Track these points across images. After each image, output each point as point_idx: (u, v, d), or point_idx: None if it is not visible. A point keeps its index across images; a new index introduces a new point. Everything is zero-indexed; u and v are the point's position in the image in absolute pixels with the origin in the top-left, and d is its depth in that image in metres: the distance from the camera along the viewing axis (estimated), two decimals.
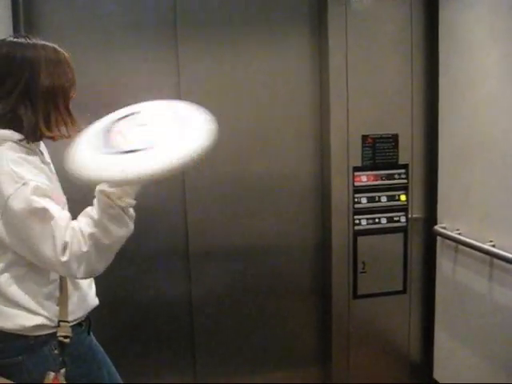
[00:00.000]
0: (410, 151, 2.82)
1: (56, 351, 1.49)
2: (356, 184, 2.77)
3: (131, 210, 1.39)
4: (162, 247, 2.75)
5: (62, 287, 1.51)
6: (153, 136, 1.34)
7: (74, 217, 1.41)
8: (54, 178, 1.56)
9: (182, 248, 2.76)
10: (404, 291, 2.91)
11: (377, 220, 2.81)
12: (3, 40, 1.47)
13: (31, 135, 1.43)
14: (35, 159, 1.44)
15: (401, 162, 2.82)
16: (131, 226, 1.40)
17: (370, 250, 2.83)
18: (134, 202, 1.38)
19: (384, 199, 2.81)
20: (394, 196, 2.83)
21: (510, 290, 2.29)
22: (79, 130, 1.51)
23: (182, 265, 2.78)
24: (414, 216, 2.86)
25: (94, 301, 1.66)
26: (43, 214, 1.32)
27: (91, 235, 1.33)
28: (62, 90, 1.47)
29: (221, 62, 2.69)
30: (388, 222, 2.83)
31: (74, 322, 1.55)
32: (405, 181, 2.83)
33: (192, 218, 2.74)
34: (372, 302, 2.88)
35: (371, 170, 2.78)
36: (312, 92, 2.79)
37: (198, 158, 1.31)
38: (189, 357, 2.86)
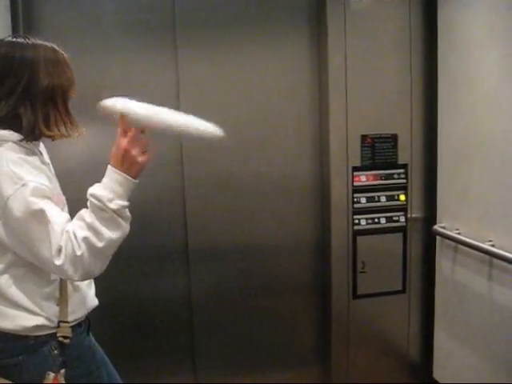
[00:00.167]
0: (409, 151, 2.82)
1: (56, 351, 1.49)
2: (355, 184, 2.77)
3: (127, 212, 1.39)
4: (162, 246, 2.75)
5: (62, 288, 1.51)
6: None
7: (73, 216, 1.41)
8: (54, 178, 1.55)
9: (182, 247, 2.76)
10: (403, 291, 2.91)
11: (376, 220, 2.81)
12: (2, 40, 1.47)
13: (30, 135, 1.43)
14: (35, 160, 1.44)
15: (400, 161, 2.82)
16: (126, 228, 1.39)
17: (370, 250, 2.83)
18: (126, 204, 1.38)
19: (383, 199, 2.81)
20: (394, 196, 2.83)
21: (509, 289, 2.29)
22: (78, 130, 1.51)
23: (182, 264, 2.77)
24: (413, 216, 2.86)
25: (93, 301, 1.66)
26: (41, 216, 1.32)
27: (84, 239, 1.33)
28: (61, 89, 1.47)
29: (220, 63, 2.69)
30: (387, 221, 2.83)
31: (74, 323, 1.55)
32: (404, 180, 2.84)
33: (191, 218, 2.74)
34: (371, 301, 2.88)
35: (370, 169, 2.79)
36: (311, 92, 2.80)
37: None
38: (188, 356, 2.86)
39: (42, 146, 1.57)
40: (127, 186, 1.39)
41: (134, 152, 1.39)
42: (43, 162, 1.50)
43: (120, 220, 1.37)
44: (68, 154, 2.42)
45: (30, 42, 1.46)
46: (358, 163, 2.77)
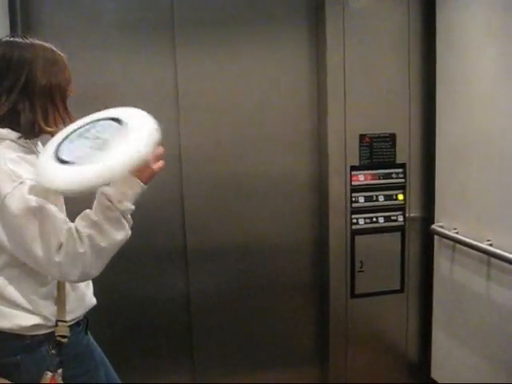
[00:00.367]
0: (407, 150, 2.82)
1: (53, 351, 1.49)
2: (353, 183, 2.78)
3: (129, 216, 1.40)
4: (160, 246, 2.75)
5: (60, 287, 1.51)
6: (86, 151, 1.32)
7: (73, 217, 1.41)
8: None
9: (180, 247, 2.76)
10: (401, 290, 2.92)
11: (374, 219, 2.82)
12: (0, 40, 1.47)
13: (30, 132, 1.44)
14: (33, 158, 1.44)
15: (398, 161, 2.82)
16: (128, 231, 1.39)
17: (368, 249, 2.83)
18: (132, 207, 1.39)
19: (381, 198, 2.82)
20: (392, 195, 2.83)
21: (507, 289, 2.30)
22: None
23: (180, 264, 2.77)
24: (411, 215, 2.86)
25: (91, 300, 1.66)
26: (40, 213, 1.32)
27: (88, 236, 1.33)
28: (59, 88, 1.47)
29: (218, 62, 2.69)
30: (385, 221, 2.83)
31: (72, 322, 1.54)
32: (402, 180, 2.84)
33: (190, 217, 2.74)
34: (369, 301, 2.88)
35: (369, 169, 2.79)
36: (310, 91, 2.80)
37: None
38: (187, 356, 2.86)
39: (40, 146, 1.57)
40: (137, 191, 1.39)
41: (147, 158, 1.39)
42: None
43: (125, 222, 1.37)
44: None
45: (28, 41, 1.46)
46: (356, 162, 2.77)
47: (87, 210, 1.38)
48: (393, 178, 2.82)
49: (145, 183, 1.40)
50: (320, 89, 2.77)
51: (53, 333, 1.48)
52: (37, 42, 1.48)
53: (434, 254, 2.85)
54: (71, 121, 1.50)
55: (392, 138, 2.79)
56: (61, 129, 1.48)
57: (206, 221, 2.76)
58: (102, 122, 1.40)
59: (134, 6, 2.62)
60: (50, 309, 1.48)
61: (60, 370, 1.49)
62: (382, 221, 2.82)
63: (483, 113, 2.40)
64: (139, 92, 2.56)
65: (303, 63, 2.78)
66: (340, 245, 2.81)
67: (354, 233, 2.81)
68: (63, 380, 1.49)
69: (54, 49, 1.50)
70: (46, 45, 1.49)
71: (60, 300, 1.50)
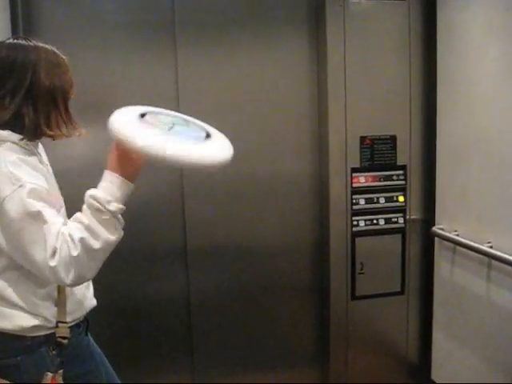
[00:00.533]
0: (407, 152, 2.82)
1: (54, 352, 1.49)
2: (354, 185, 2.78)
3: (120, 217, 1.40)
4: (160, 247, 2.75)
5: (60, 288, 1.51)
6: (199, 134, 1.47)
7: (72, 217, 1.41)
8: (52, 179, 1.56)
9: (180, 248, 2.76)
10: (402, 292, 2.92)
11: (375, 221, 2.82)
12: (3, 42, 1.47)
13: (32, 135, 1.44)
14: (33, 160, 1.44)
15: (399, 163, 2.82)
16: (121, 232, 1.39)
17: (368, 251, 2.83)
18: (123, 207, 1.39)
19: (382, 200, 2.82)
20: (392, 197, 2.83)
21: (507, 291, 2.29)
22: (78, 130, 1.52)
23: (180, 264, 2.77)
24: (411, 217, 2.86)
25: (91, 301, 1.66)
26: (37, 218, 1.32)
27: (81, 240, 1.33)
28: (62, 90, 1.48)
29: (219, 63, 2.69)
30: (386, 223, 2.83)
31: (72, 323, 1.55)
32: (403, 182, 2.84)
33: (190, 218, 2.74)
34: (370, 303, 2.88)
35: (369, 171, 2.79)
36: (310, 92, 2.80)
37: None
38: (187, 356, 2.86)
39: (41, 148, 1.58)
40: (125, 190, 1.39)
41: (130, 156, 1.39)
42: (42, 163, 1.50)
43: (116, 223, 1.37)
44: (67, 154, 2.42)
45: (31, 43, 1.47)
46: (356, 164, 2.77)
47: (78, 213, 1.38)
48: (393, 180, 2.82)
49: (131, 181, 1.41)
50: (320, 90, 2.77)
51: (53, 334, 1.49)
52: (40, 44, 1.48)
53: (435, 255, 2.85)
54: (73, 124, 1.50)
55: (393, 139, 2.79)
56: (62, 132, 1.48)
57: (206, 221, 2.76)
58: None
59: (135, 7, 2.62)
60: (50, 310, 1.49)
61: (61, 371, 1.50)
62: (383, 223, 2.82)
63: (484, 114, 2.40)
64: (140, 93, 2.56)
65: (304, 64, 2.78)
66: (340, 247, 2.81)
67: (355, 235, 2.81)
68: (64, 381, 1.50)
69: (57, 51, 1.51)
70: (49, 47, 1.49)
71: (60, 301, 1.50)
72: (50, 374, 1.47)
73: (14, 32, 2.41)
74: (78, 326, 1.59)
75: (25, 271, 1.42)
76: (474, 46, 2.46)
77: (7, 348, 1.47)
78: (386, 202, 2.82)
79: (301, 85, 2.80)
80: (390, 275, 2.89)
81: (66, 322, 1.51)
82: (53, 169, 1.63)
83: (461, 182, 2.60)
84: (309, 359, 3.00)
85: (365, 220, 2.81)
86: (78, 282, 1.40)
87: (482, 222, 2.45)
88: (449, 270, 2.73)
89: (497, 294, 2.37)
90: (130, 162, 1.39)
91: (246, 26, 2.72)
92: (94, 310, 1.66)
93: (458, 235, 2.60)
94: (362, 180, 2.78)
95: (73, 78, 1.53)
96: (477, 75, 2.44)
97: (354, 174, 2.77)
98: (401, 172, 2.83)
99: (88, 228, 1.34)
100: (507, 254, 2.22)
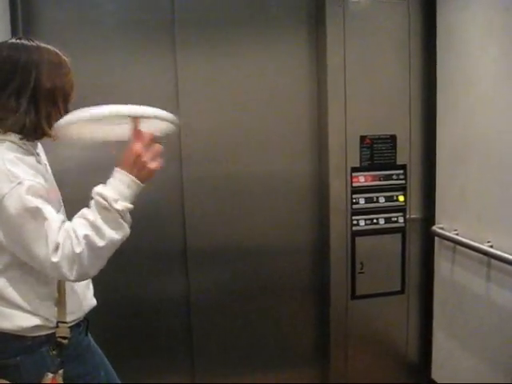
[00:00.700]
0: (407, 152, 2.82)
1: (54, 352, 1.49)
2: (354, 184, 2.78)
3: (128, 215, 1.40)
4: (160, 247, 2.75)
5: (60, 288, 1.51)
6: None
7: (72, 217, 1.41)
8: (51, 178, 1.56)
9: (180, 248, 2.76)
10: (402, 291, 2.92)
11: (375, 220, 2.82)
12: (5, 42, 1.48)
13: (33, 134, 1.45)
14: (31, 159, 1.45)
15: (399, 162, 2.82)
16: (127, 230, 1.40)
17: (368, 251, 2.83)
18: (131, 206, 1.39)
19: (382, 200, 2.82)
20: (392, 196, 2.83)
21: (507, 290, 2.30)
22: None
23: (180, 264, 2.77)
24: (411, 216, 2.86)
25: (91, 301, 1.66)
26: (37, 214, 1.33)
27: (85, 236, 1.33)
28: (63, 91, 1.48)
29: (218, 63, 2.69)
30: (386, 222, 2.83)
31: (73, 323, 1.55)
32: (403, 181, 2.84)
33: (190, 218, 2.74)
34: (370, 302, 2.88)
35: (369, 170, 2.79)
36: (310, 92, 2.80)
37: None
38: (187, 357, 2.86)
39: (39, 147, 1.58)
40: (134, 190, 1.40)
41: (146, 157, 1.40)
42: (40, 162, 1.51)
43: (122, 221, 1.37)
44: (66, 154, 2.41)
45: (34, 43, 1.47)
46: (356, 164, 2.77)
47: (84, 209, 1.38)
48: (393, 180, 2.82)
49: (142, 182, 1.41)
50: (320, 90, 2.77)
51: (53, 334, 1.49)
52: (42, 44, 1.48)
53: (435, 255, 2.85)
54: None
55: (392, 139, 2.80)
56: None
57: (206, 221, 2.76)
58: None
59: (134, 8, 2.62)
60: (50, 310, 1.49)
61: (61, 371, 1.50)
62: (383, 222, 2.82)
63: (484, 114, 2.40)
64: (139, 93, 2.56)
65: (303, 64, 2.78)
66: (340, 246, 2.81)
67: (355, 234, 2.81)
68: (64, 381, 1.50)
69: (59, 52, 1.51)
70: (51, 48, 1.49)
71: (60, 301, 1.51)
72: (50, 374, 1.47)
73: (14, 32, 2.41)
74: (78, 325, 1.59)
75: (27, 269, 1.42)
76: (473, 46, 2.46)
77: (7, 348, 1.47)
78: (385, 201, 2.82)
79: (300, 84, 2.80)
80: (390, 274, 2.89)
81: (66, 322, 1.51)
82: (52, 169, 1.63)
83: (461, 181, 2.60)
84: (309, 359, 3.00)
85: (365, 219, 2.81)
86: (80, 278, 1.40)
87: (481, 221, 2.45)
88: (449, 269, 2.73)
89: (497, 293, 2.37)
90: (145, 164, 1.40)
91: (246, 25, 2.72)
92: (94, 310, 1.66)
93: (457, 234, 2.60)
94: (361, 179, 2.79)
95: (74, 80, 1.53)
96: (476, 75, 2.44)
97: (353, 174, 2.77)
98: (401, 171, 2.83)
99: (93, 225, 1.34)
100: (507, 253, 2.22)
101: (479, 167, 2.45)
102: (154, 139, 1.43)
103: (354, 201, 2.79)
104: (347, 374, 2.92)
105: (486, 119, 2.39)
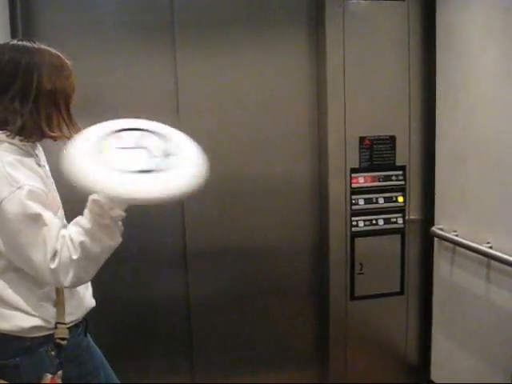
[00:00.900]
0: (407, 153, 2.82)
1: (53, 353, 1.49)
2: (353, 185, 2.78)
3: (120, 223, 1.41)
4: (160, 248, 2.75)
5: (59, 289, 1.51)
6: (156, 159, 1.40)
7: (71, 220, 1.41)
8: (50, 181, 1.56)
9: (180, 249, 2.76)
10: (401, 292, 2.92)
11: (374, 221, 2.81)
12: (6, 44, 1.48)
13: (33, 136, 1.45)
14: (30, 161, 1.45)
15: (398, 163, 2.82)
16: (119, 238, 1.41)
17: (368, 252, 2.83)
18: (124, 214, 1.40)
19: (381, 201, 2.81)
20: (392, 197, 2.83)
21: (506, 291, 2.29)
22: (79, 131, 1.52)
23: (180, 265, 2.77)
24: (411, 217, 2.86)
25: (90, 302, 1.66)
26: (36, 220, 1.33)
27: (81, 243, 1.34)
28: (64, 94, 1.48)
29: (218, 64, 2.69)
30: (385, 223, 2.83)
31: (71, 324, 1.55)
32: (402, 182, 2.84)
33: (190, 220, 2.74)
34: (369, 303, 2.88)
35: (368, 171, 2.79)
36: (309, 93, 2.80)
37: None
38: (187, 357, 2.86)
39: (39, 149, 1.58)
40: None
41: None
42: (39, 164, 1.51)
43: (116, 229, 1.39)
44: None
45: (35, 45, 1.47)
46: (356, 165, 2.77)
47: (79, 217, 1.39)
48: (393, 181, 2.82)
49: None
50: (320, 90, 2.77)
51: (52, 335, 1.49)
52: (44, 47, 1.48)
53: (434, 256, 2.85)
54: (74, 125, 1.50)
55: (392, 140, 2.79)
56: (64, 134, 1.48)
57: (205, 223, 2.76)
58: (129, 133, 1.44)
59: (134, 8, 2.62)
60: (49, 311, 1.49)
61: (60, 372, 1.50)
62: (382, 223, 2.82)
63: (484, 114, 2.40)
64: (139, 93, 2.56)
65: (303, 65, 2.78)
66: (340, 247, 2.81)
67: (354, 235, 2.81)
68: (63, 381, 1.50)
69: (61, 55, 1.51)
70: (52, 50, 1.50)
71: (59, 302, 1.51)
72: (49, 375, 1.47)
73: (14, 33, 2.41)
74: (77, 326, 1.59)
75: (24, 272, 1.42)
76: (473, 46, 2.46)
77: (6, 349, 1.47)
78: (385, 202, 2.82)
79: (300, 85, 2.79)
80: (390, 275, 2.89)
81: (65, 323, 1.51)
82: (51, 168, 1.62)
83: (460, 182, 2.60)
84: (308, 359, 3.00)
85: (364, 220, 2.81)
86: (76, 284, 1.42)
87: (481, 222, 2.45)
88: (448, 270, 2.73)
89: (496, 294, 2.37)
90: None
91: (245, 26, 2.72)
92: (93, 311, 1.66)
93: (457, 235, 2.60)
94: (361, 180, 2.78)
95: (75, 83, 1.53)
96: (476, 75, 2.44)
97: (353, 175, 2.77)
98: (400, 172, 2.83)
99: (89, 232, 1.35)
100: (506, 254, 2.22)
101: (479, 168, 2.45)
102: None
103: (354, 202, 2.79)
104: (347, 375, 2.92)
105: (485, 119, 2.39)
